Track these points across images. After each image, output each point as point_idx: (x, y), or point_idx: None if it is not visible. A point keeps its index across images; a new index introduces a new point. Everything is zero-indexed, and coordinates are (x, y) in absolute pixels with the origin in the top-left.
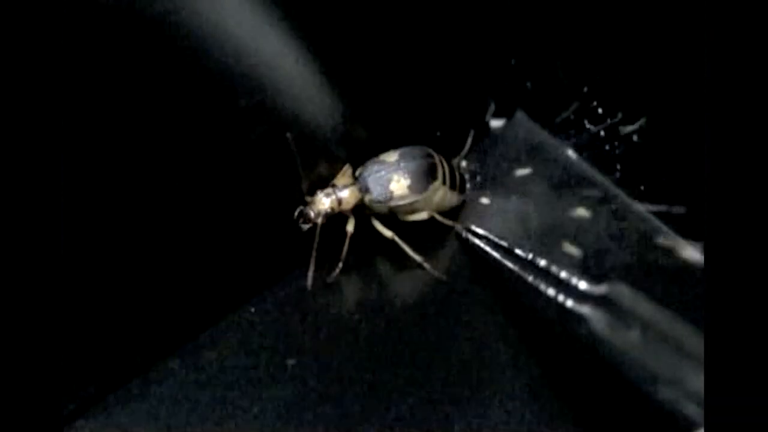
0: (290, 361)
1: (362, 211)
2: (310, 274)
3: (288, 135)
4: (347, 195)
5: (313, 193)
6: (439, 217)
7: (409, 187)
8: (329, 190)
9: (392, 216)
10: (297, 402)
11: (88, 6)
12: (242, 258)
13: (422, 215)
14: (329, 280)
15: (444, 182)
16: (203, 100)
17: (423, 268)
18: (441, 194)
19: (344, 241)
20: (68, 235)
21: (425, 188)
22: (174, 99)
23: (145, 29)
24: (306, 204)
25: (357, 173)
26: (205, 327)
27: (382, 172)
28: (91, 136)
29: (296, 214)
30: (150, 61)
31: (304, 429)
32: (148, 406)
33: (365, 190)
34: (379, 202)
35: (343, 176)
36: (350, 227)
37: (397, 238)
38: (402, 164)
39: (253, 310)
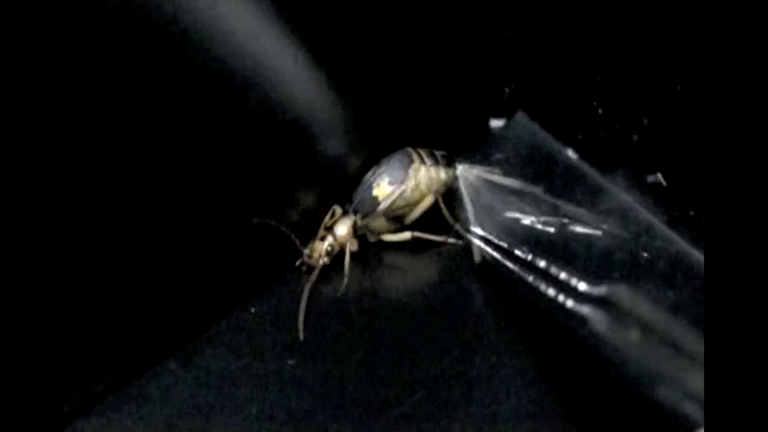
0: (290, 361)
1: (367, 240)
2: (301, 325)
3: (272, 222)
4: (342, 230)
5: (307, 243)
6: (444, 208)
7: (390, 183)
8: (323, 233)
9: (401, 226)
10: (296, 402)
11: (90, 6)
12: (242, 258)
13: (426, 203)
14: (338, 294)
15: (423, 161)
16: (203, 100)
17: (448, 244)
18: (425, 174)
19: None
20: (68, 235)
21: (405, 175)
22: (174, 100)
23: (145, 29)
24: (307, 256)
25: (345, 207)
26: (205, 327)
27: (363, 187)
28: (92, 138)
29: (298, 264)
30: (150, 61)
31: (303, 429)
32: (148, 406)
33: (355, 211)
34: (372, 212)
35: (333, 216)
36: (353, 246)
37: (416, 232)
38: (377, 171)
39: (253, 310)
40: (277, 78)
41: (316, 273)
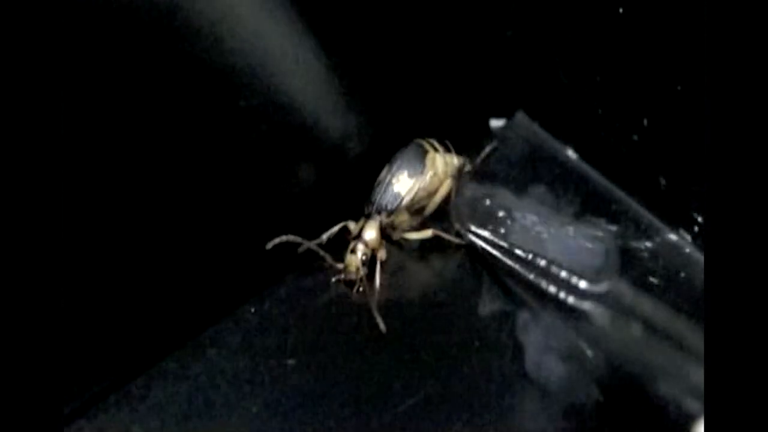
0: (290, 361)
1: (392, 240)
2: (379, 320)
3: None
4: (371, 234)
5: (338, 257)
6: (453, 201)
7: (409, 175)
8: (352, 244)
9: (423, 218)
10: (297, 402)
11: (91, 4)
12: (242, 258)
13: (444, 189)
14: (372, 305)
15: (436, 150)
16: (204, 100)
17: (453, 246)
18: (441, 161)
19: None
20: (68, 234)
21: (423, 166)
22: (176, 99)
23: (147, 28)
24: (340, 272)
25: (366, 211)
26: (205, 327)
27: (382, 186)
28: (93, 137)
29: (333, 281)
30: (152, 61)
31: (304, 429)
32: (148, 406)
33: (378, 211)
34: (396, 209)
35: (354, 227)
36: (382, 254)
37: (438, 231)
38: (392, 168)
39: (253, 310)
40: (275, 75)
41: (365, 283)
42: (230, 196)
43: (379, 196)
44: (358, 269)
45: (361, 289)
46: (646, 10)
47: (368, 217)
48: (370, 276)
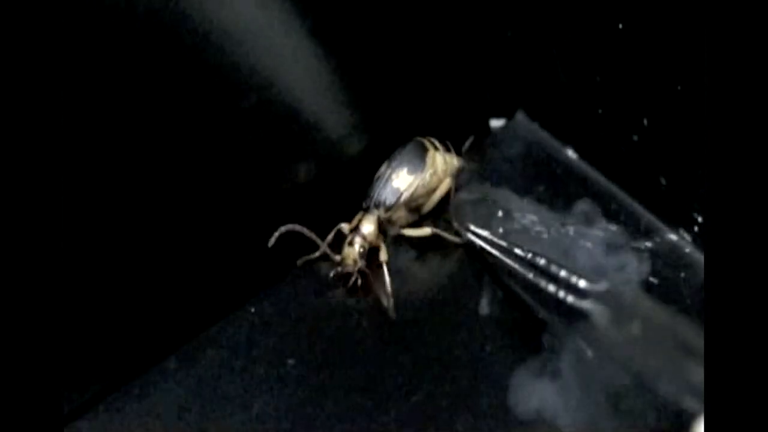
0: (290, 361)
1: (390, 235)
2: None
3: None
4: (369, 227)
5: (335, 250)
6: (452, 199)
7: (409, 172)
8: (350, 237)
9: (420, 216)
10: (297, 402)
11: (91, 4)
12: (242, 259)
13: (443, 187)
14: (391, 315)
15: (436, 148)
16: (204, 99)
17: (455, 245)
18: (441, 159)
19: (383, 274)
20: (68, 235)
21: (423, 163)
22: (175, 99)
23: (147, 28)
24: (338, 264)
25: (364, 205)
26: (205, 327)
27: (381, 181)
28: (93, 136)
29: (332, 276)
30: (151, 61)
31: (304, 429)
32: (148, 406)
33: (377, 206)
34: (394, 204)
35: (350, 223)
36: (383, 256)
37: (437, 230)
38: (392, 163)
39: (253, 310)
40: (274, 75)
41: (364, 277)
42: (230, 194)
43: (378, 190)
44: (355, 261)
45: (359, 282)
46: (645, 10)
47: (366, 210)
48: (372, 266)
